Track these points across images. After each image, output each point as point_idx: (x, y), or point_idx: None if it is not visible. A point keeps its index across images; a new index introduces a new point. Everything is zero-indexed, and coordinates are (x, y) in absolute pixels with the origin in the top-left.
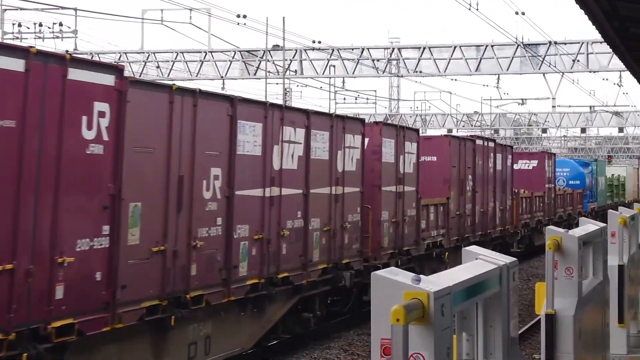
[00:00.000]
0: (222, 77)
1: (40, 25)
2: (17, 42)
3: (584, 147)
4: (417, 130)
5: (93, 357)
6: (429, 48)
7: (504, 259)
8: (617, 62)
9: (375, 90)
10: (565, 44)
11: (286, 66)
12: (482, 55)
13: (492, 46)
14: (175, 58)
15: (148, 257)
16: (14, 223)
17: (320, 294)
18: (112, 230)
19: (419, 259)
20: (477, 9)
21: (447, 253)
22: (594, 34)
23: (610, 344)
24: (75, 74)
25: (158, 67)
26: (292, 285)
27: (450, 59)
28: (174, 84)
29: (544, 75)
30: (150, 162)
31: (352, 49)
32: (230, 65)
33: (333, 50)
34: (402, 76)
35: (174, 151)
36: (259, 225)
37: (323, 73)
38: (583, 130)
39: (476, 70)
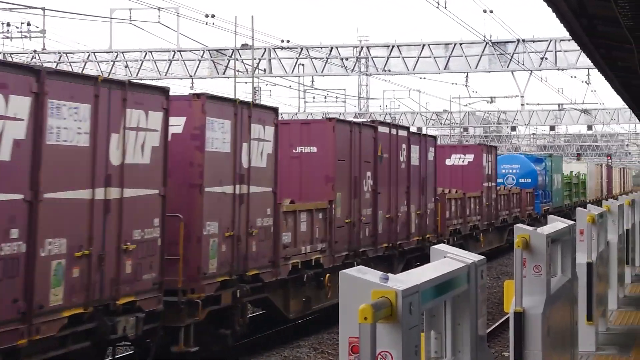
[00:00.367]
0: (191, 76)
1: (8, 25)
2: None
3: (553, 144)
4: (273, 109)
5: None
6: (398, 46)
7: (472, 257)
8: (585, 60)
9: (344, 89)
10: (533, 41)
11: (255, 65)
12: (451, 54)
13: (460, 44)
14: (144, 57)
15: None
16: None
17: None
18: None
19: (277, 286)
20: (445, 7)
21: (327, 275)
22: (562, 31)
23: (578, 342)
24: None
25: (127, 66)
26: None
27: (419, 58)
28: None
29: (512, 73)
30: None
31: (321, 48)
32: (199, 64)
33: (302, 49)
34: (371, 75)
35: None
36: None
37: (292, 72)
38: (552, 128)
39: (445, 69)
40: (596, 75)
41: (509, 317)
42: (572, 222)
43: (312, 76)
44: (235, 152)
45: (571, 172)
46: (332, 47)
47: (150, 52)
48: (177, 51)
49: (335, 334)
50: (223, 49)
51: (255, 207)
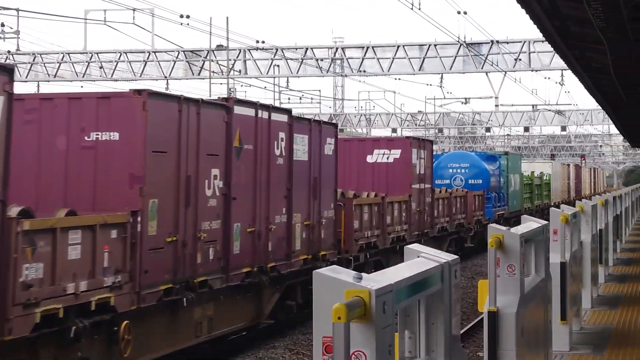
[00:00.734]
0: (165, 77)
1: None
2: None
3: (527, 145)
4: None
5: None
6: (373, 48)
7: (446, 257)
8: (558, 61)
9: (319, 90)
10: (507, 43)
11: (230, 66)
12: (426, 55)
13: (435, 45)
14: (119, 58)
15: None
16: None
17: None
18: None
19: None
20: (419, 9)
21: (125, 323)
22: (536, 33)
23: (552, 341)
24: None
25: (101, 67)
26: None
27: (393, 59)
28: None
29: (486, 74)
30: None
31: (296, 49)
32: (174, 65)
33: (277, 50)
34: (346, 76)
35: None
36: None
37: (267, 73)
38: (526, 129)
39: (420, 70)
40: (570, 77)
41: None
42: (546, 222)
43: (287, 77)
44: None
45: (532, 172)
46: (307, 48)
47: (125, 52)
48: (152, 52)
49: (311, 334)
50: (198, 49)
51: None
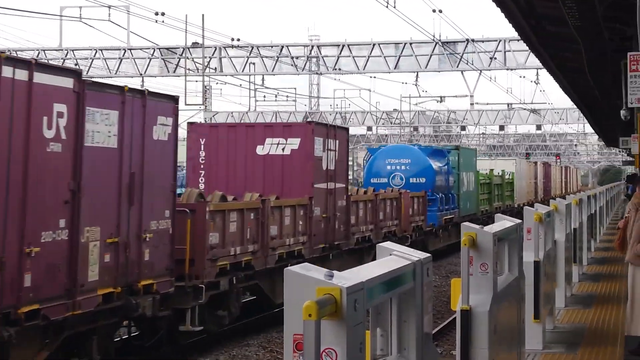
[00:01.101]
0: (141, 74)
1: None
2: None
3: (502, 144)
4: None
5: None
6: (348, 46)
7: (418, 255)
8: (534, 60)
9: (295, 88)
10: (482, 41)
11: (205, 64)
12: (401, 53)
13: (410, 44)
14: (94, 55)
15: None
16: None
17: None
18: None
19: None
20: (394, 7)
21: None
22: (511, 32)
23: (525, 340)
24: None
25: (77, 64)
26: None
27: (369, 57)
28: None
29: (462, 72)
30: None
31: (272, 47)
32: (149, 62)
33: (252, 47)
34: (321, 74)
35: None
36: None
37: (243, 70)
38: (501, 127)
39: (395, 68)
40: (545, 76)
41: None
42: (520, 221)
43: (263, 75)
44: None
45: (491, 170)
46: (282, 46)
47: (101, 50)
48: (128, 49)
49: None
50: (173, 47)
51: None
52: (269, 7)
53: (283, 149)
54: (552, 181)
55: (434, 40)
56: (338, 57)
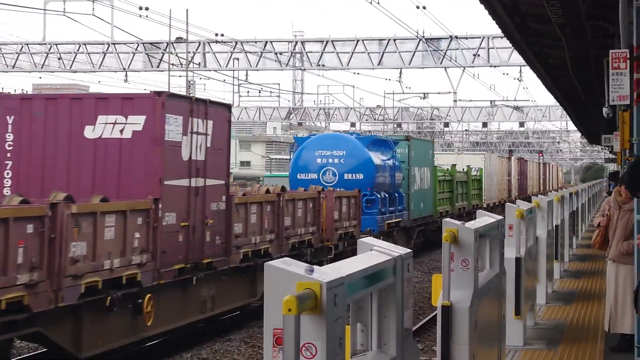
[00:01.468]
0: (124, 69)
1: None
2: None
3: (485, 141)
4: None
5: None
6: (332, 42)
7: (399, 250)
8: (517, 57)
9: (278, 84)
10: (466, 38)
11: (189, 59)
12: (385, 50)
13: (394, 40)
14: (78, 50)
15: None
16: None
17: None
18: None
19: None
20: (378, 3)
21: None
22: (495, 29)
23: (506, 336)
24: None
25: (60, 58)
26: None
27: (353, 53)
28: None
29: (445, 69)
30: None
31: (256, 42)
32: (133, 57)
33: (236, 43)
34: (305, 69)
35: None
36: None
37: (226, 66)
38: (484, 124)
39: (379, 64)
40: (528, 73)
41: None
42: (501, 217)
43: (247, 70)
44: None
45: (454, 166)
46: (266, 42)
47: (84, 44)
48: (111, 44)
49: None
50: (157, 42)
51: None
52: (253, 3)
53: (122, 131)
54: (528, 178)
55: (417, 36)
56: (322, 53)
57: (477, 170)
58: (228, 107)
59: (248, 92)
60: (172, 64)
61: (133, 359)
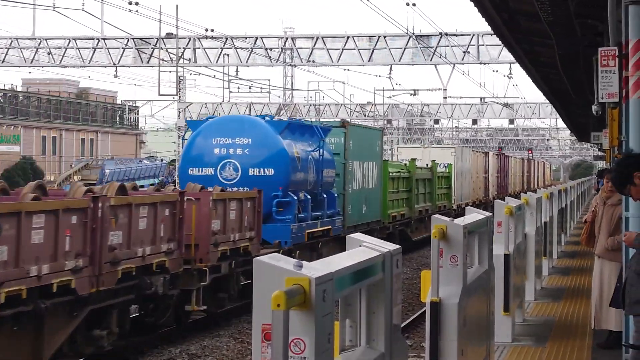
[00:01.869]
0: (114, 64)
1: None
2: None
3: (475, 138)
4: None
5: None
6: (322, 38)
7: (388, 246)
8: (507, 54)
9: (269, 80)
10: (456, 35)
11: (180, 54)
12: (375, 46)
13: (384, 37)
14: (68, 45)
15: None
16: None
17: None
18: None
19: None
20: (368, 0)
21: None
22: (484, 26)
23: (495, 332)
24: None
25: (50, 53)
26: None
27: (343, 49)
28: None
29: (435, 66)
30: None
31: (246, 38)
32: (123, 52)
33: (227, 39)
34: (295, 66)
35: None
36: None
37: (217, 61)
38: (474, 121)
39: (369, 61)
40: (518, 70)
41: None
42: (490, 214)
43: (237, 66)
44: None
45: (412, 160)
46: (257, 38)
47: (74, 39)
48: (101, 39)
49: None
50: (147, 37)
51: None
52: None
53: None
54: (510, 176)
55: (407, 33)
56: (312, 50)
57: (445, 167)
58: None
59: (238, 88)
60: (162, 60)
61: (121, 354)
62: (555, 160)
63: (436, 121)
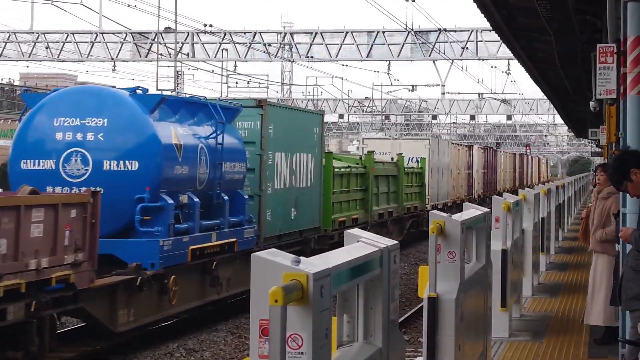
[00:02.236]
0: (113, 58)
1: None
2: None
3: (473, 134)
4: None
5: None
6: (321, 33)
7: (386, 242)
8: (505, 51)
9: (267, 75)
10: (455, 31)
11: (178, 49)
12: (373, 42)
13: (383, 32)
14: (66, 39)
15: None
16: None
17: None
18: None
19: None
20: None
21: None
22: (483, 22)
23: (492, 328)
24: None
25: (47, 47)
26: None
27: (341, 45)
28: None
29: (434, 62)
30: None
31: (244, 33)
32: (121, 47)
33: (225, 33)
34: (294, 61)
35: None
36: None
37: (215, 56)
38: (472, 117)
39: (367, 56)
40: (516, 66)
41: None
42: (487, 210)
43: (235, 61)
44: None
45: (369, 153)
46: (255, 33)
47: (72, 33)
48: (100, 33)
49: None
50: (146, 32)
51: None
52: None
53: None
54: (498, 172)
55: (406, 29)
56: (311, 45)
57: (417, 161)
58: None
59: (237, 82)
60: (161, 55)
61: (119, 348)
62: (553, 156)
63: (434, 117)
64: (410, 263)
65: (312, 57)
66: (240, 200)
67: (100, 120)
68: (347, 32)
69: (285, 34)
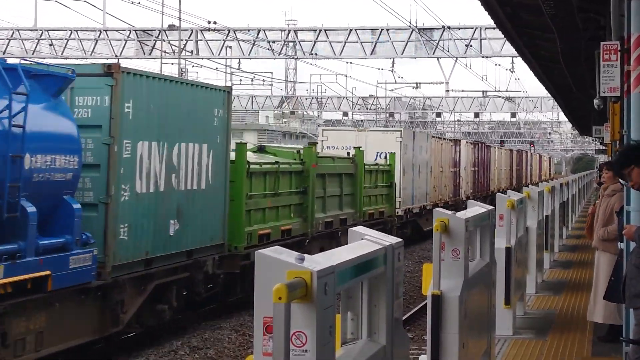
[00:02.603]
0: (117, 56)
1: None
2: None
3: (477, 131)
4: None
5: None
6: (325, 31)
7: (390, 240)
8: (509, 48)
9: (271, 72)
10: (459, 29)
11: (182, 46)
12: (378, 39)
13: (387, 30)
14: (69, 36)
15: None
16: None
17: None
18: None
19: None
20: None
21: None
22: (487, 19)
23: (496, 325)
24: None
25: (51, 45)
26: None
27: (345, 42)
28: None
29: (438, 59)
30: None
31: (248, 30)
32: (125, 44)
33: (229, 31)
34: (298, 58)
35: None
36: None
37: (219, 54)
38: (476, 115)
39: (371, 54)
40: (520, 64)
41: None
42: (492, 207)
43: (239, 58)
44: None
45: (310, 146)
46: (259, 30)
47: (76, 30)
48: (103, 30)
49: None
50: (150, 29)
51: None
52: None
53: None
54: (492, 171)
55: (410, 26)
56: (315, 42)
57: (385, 157)
58: None
59: (240, 80)
60: (165, 52)
61: (121, 346)
62: (557, 154)
63: (438, 114)
64: (414, 261)
65: (316, 54)
66: (65, 211)
67: None
68: (351, 30)
69: (289, 31)
